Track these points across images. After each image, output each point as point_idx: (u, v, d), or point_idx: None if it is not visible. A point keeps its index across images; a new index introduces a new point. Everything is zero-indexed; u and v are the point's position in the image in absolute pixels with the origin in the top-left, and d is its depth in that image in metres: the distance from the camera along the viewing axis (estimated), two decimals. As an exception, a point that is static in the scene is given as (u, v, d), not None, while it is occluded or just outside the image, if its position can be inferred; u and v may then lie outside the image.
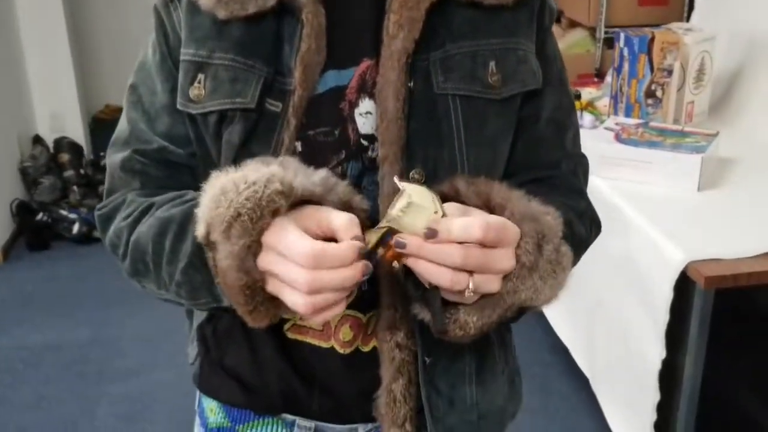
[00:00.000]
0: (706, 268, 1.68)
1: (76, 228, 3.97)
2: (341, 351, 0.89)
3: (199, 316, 0.98)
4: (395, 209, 0.70)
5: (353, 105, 0.83)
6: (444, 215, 0.70)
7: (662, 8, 3.15)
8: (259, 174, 0.70)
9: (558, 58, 0.94)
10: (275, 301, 0.72)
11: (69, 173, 4.25)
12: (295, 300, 0.69)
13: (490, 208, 0.74)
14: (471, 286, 0.70)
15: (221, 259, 0.71)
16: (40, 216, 4.00)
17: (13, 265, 3.81)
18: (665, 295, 1.76)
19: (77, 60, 4.60)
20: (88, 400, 2.79)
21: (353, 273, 0.68)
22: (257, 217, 0.69)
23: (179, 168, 0.88)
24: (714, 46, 2.53)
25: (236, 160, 0.75)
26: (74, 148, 4.39)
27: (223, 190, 0.71)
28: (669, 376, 1.86)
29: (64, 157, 4.31)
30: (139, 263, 0.83)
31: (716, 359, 1.82)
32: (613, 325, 2.10)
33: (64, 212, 4.02)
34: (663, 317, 1.79)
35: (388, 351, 0.86)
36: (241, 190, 0.69)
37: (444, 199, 0.73)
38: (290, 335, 0.90)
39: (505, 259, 0.72)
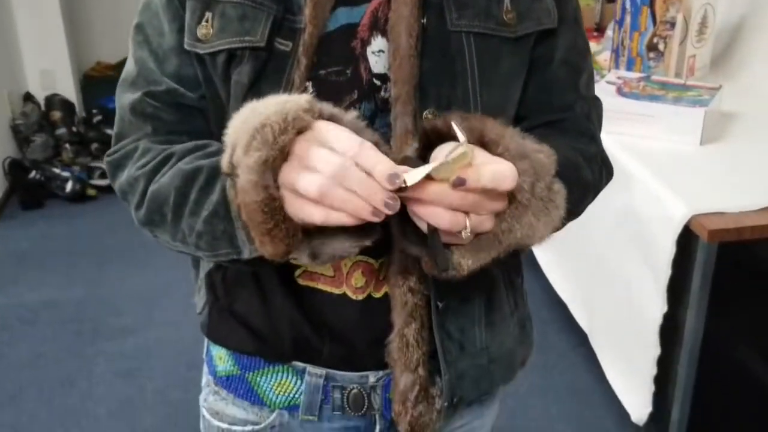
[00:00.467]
0: (709, 222, 1.67)
1: (69, 186, 3.94)
2: (353, 297, 0.88)
3: (207, 264, 0.97)
4: (450, 156, 0.67)
5: (365, 43, 0.81)
6: (471, 164, 0.68)
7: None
8: (291, 96, 0.70)
9: None
10: (294, 222, 0.70)
11: (61, 131, 4.20)
12: (314, 180, 0.65)
13: (483, 143, 0.72)
14: (468, 226, 0.69)
15: (241, 176, 0.68)
16: (33, 174, 3.97)
17: (7, 224, 3.79)
18: (668, 248, 1.75)
19: (67, 16, 4.53)
20: (85, 357, 2.79)
21: (381, 189, 0.65)
22: (281, 130, 0.67)
23: (191, 111, 0.86)
24: (716, 2, 2.50)
25: (246, 101, 0.73)
26: (66, 105, 4.34)
27: (253, 108, 0.70)
28: (670, 330, 1.86)
29: (56, 114, 4.26)
30: (155, 214, 0.81)
31: (717, 313, 1.82)
32: (614, 279, 2.09)
33: (57, 170, 3.99)
34: (665, 271, 1.78)
35: (400, 296, 0.85)
36: (270, 105, 0.68)
37: (437, 135, 0.72)
38: (301, 282, 0.89)
39: (499, 199, 0.71)
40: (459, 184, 0.66)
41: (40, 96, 4.37)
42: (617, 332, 2.13)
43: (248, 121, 0.69)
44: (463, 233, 0.70)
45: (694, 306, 1.77)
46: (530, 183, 0.72)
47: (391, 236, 0.83)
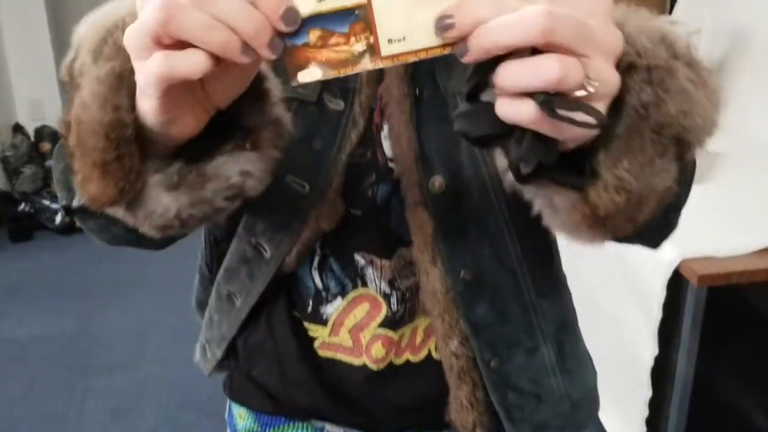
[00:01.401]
0: (699, 266, 1.69)
1: (58, 218, 3.94)
2: (374, 368, 0.87)
3: (225, 329, 0.94)
4: None
5: (379, 128, 0.81)
6: None
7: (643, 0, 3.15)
8: None
9: None
10: (138, 157, 0.56)
11: (51, 162, 4.19)
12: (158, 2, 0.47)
13: None
14: (589, 72, 0.48)
15: (85, 87, 0.54)
16: (22, 206, 3.96)
17: (-4, 256, 3.79)
18: (658, 292, 1.78)
19: (57, 47, 4.55)
20: (76, 393, 2.78)
21: (268, 25, 0.47)
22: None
23: None
24: (698, 39, 2.54)
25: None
26: (56, 136, 4.32)
27: (103, 11, 0.59)
28: (661, 372, 1.88)
29: (46, 146, 4.27)
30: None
31: (708, 355, 1.84)
32: (605, 321, 2.12)
33: (46, 202, 3.99)
34: (656, 314, 1.80)
35: (446, 359, 0.84)
36: (120, 7, 0.57)
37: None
38: (321, 353, 0.89)
39: (603, 29, 0.49)
40: (445, 26, 0.48)
41: (30, 127, 4.37)
42: (609, 374, 2.14)
43: (98, 22, 0.57)
44: (588, 85, 0.48)
45: (685, 348, 1.79)
46: (655, 41, 0.54)
47: (407, 309, 0.84)
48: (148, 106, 0.51)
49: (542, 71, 0.46)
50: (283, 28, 0.48)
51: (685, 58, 0.55)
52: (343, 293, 0.86)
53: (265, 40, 0.47)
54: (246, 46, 0.47)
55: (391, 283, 0.85)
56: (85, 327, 3.19)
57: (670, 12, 3.09)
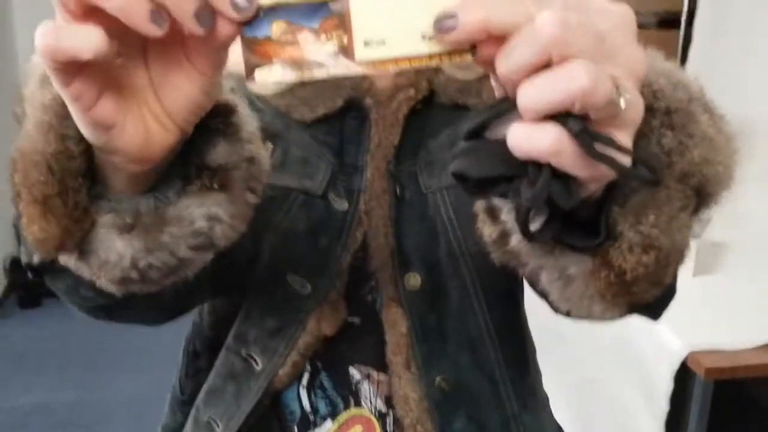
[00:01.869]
0: (706, 359, 1.70)
1: (67, 285, 3.95)
2: None
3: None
4: None
5: None
6: None
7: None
8: None
9: None
10: (86, 193, 0.50)
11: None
12: None
13: None
14: (618, 86, 0.41)
15: (30, 115, 0.50)
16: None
17: (4, 322, 3.78)
18: (665, 384, 1.78)
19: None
20: (78, 466, 2.76)
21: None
22: None
23: None
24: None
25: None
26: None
27: None
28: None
29: (59, 213, 4.31)
30: None
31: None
32: (611, 412, 2.11)
33: (56, 269, 4.01)
34: (663, 407, 1.80)
35: None
36: None
37: None
38: None
39: (627, 46, 0.43)
40: (446, 27, 0.41)
41: (44, 194, 4.40)
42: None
43: None
44: (619, 98, 0.40)
45: (692, 441, 1.80)
46: (671, 85, 0.50)
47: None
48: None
49: (567, 80, 0.39)
50: (232, 14, 0.40)
51: (700, 101, 0.52)
52: (333, 415, 0.80)
53: (189, 8, 0.40)
54: (156, 13, 0.40)
55: (388, 401, 0.79)
56: (87, 397, 3.17)
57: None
